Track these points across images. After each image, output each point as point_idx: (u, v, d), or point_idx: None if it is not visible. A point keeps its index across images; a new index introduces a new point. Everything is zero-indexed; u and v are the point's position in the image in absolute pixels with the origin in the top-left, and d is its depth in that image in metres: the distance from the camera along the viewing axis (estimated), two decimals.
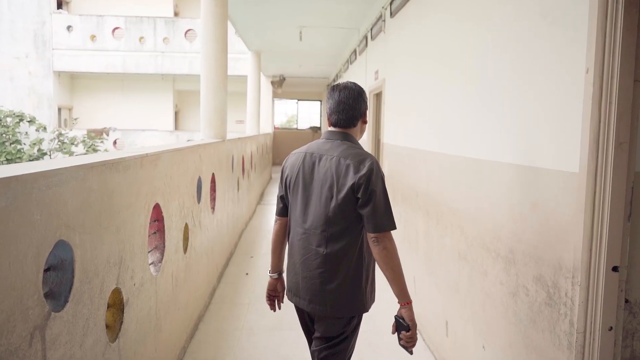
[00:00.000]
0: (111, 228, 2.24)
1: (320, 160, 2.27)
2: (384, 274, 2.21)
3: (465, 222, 3.19)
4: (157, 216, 3.12)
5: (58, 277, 1.86)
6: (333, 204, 2.19)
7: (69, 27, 20.79)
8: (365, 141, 7.63)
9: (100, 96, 22.88)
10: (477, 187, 2.99)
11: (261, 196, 12.31)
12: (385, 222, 2.14)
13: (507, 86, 2.60)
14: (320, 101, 24.29)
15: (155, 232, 3.14)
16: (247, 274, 5.90)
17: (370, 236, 2.16)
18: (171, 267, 3.36)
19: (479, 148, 2.98)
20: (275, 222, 2.51)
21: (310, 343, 2.46)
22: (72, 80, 22.75)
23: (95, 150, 19.05)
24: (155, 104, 23.08)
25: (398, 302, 2.22)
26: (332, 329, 2.29)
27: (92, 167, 2.04)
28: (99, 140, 20.09)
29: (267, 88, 16.98)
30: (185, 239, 3.88)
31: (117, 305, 2.39)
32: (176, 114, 24.36)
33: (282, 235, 2.50)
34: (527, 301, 2.35)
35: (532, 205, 2.30)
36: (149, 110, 23.00)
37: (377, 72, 6.83)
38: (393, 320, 2.26)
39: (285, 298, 2.52)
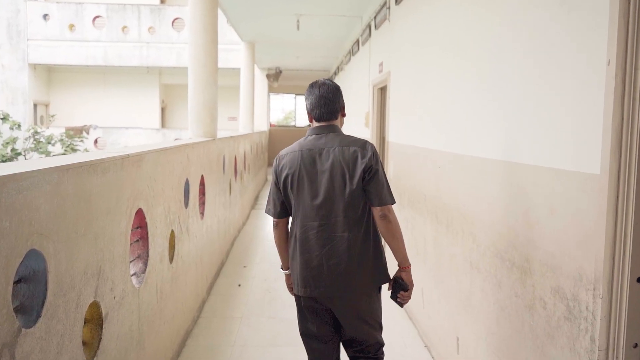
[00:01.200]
0: (89, 236, 2.23)
1: (321, 154, 2.65)
2: (390, 243, 2.68)
3: (477, 228, 3.18)
4: (140, 222, 3.12)
5: (30, 289, 1.85)
6: (348, 189, 2.60)
7: (45, 16, 20.83)
8: (368, 140, 7.63)
9: (80, 91, 22.90)
10: (489, 189, 2.98)
11: (255, 200, 12.32)
12: (387, 196, 2.63)
13: (522, 79, 2.60)
14: None
15: (137, 240, 3.14)
16: (239, 285, 5.90)
17: (377, 210, 2.61)
18: (155, 278, 3.36)
19: (491, 147, 2.98)
20: (277, 225, 2.83)
21: (316, 342, 2.80)
22: (49, 74, 22.77)
23: (74, 150, 19.06)
24: (139, 99, 23.11)
25: (399, 266, 2.74)
26: (372, 306, 2.72)
27: (68, 170, 2.04)
28: (79, 139, 20.10)
29: (261, 82, 17.00)
30: (172, 247, 3.88)
31: (95, 320, 2.39)
32: (163, 110, 24.39)
33: (286, 235, 2.84)
34: (544, 315, 2.34)
35: (549, 210, 2.30)
36: (133, 107, 23.03)
37: (381, 65, 6.83)
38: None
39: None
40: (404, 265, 2.74)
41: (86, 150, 19.07)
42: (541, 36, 2.40)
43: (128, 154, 2.77)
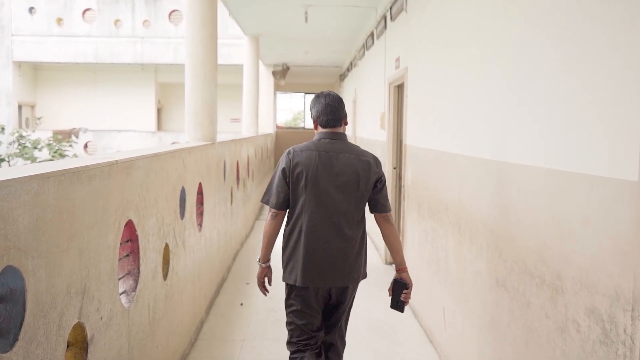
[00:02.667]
0: (72, 251, 2.24)
1: (337, 157, 3.19)
2: (392, 244, 3.32)
3: (503, 241, 3.17)
4: (130, 235, 3.14)
5: (6, 310, 1.86)
6: (359, 194, 3.19)
7: (31, 9, 21.10)
8: (384, 143, 7.63)
9: (69, 91, 23.12)
10: (517, 198, 2.97)
11: (260, 210, 12.35)
12: (389, 204, 3.32)
13: (551, 77, 2.59)
14: None
15: (127, 255, 3.15)
16: (241, 304, 5.91)
17: (381, 215, 3.28)
18: (148, 297, 3.37)
19: (519, 151, 2.97)
20: (275, 215, 3.24)
21: (309, 322, 3.31)
22: (35, 72, 23.03)
23: (62, 156, 19.24)
24: (133, 99, 23.29)
25: (398, 269, 3.37)
26: (352, 294, 3.41)
27: (49, 178, 2.05)
28: (67, 144, 20.28)
29: (267, 79, 17.07)
30: (166, 262, 3.89)
31: (79, 343, 2.39)
32: (159, 111, 24.57)
33: (280, 227, 3.29)
34: (578, 339, 2.32)
35: (582, 221, 2.28)
36: (126, 108, 23.22)
37: (398, 60, 6.84)
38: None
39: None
40: (403, 266, 3.37)
41: (75, 155, 19.23)
42: (572, 30, 2.39)
43: (116, 160, 2.79)
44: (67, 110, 22.93)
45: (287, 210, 3.25)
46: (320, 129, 3.30)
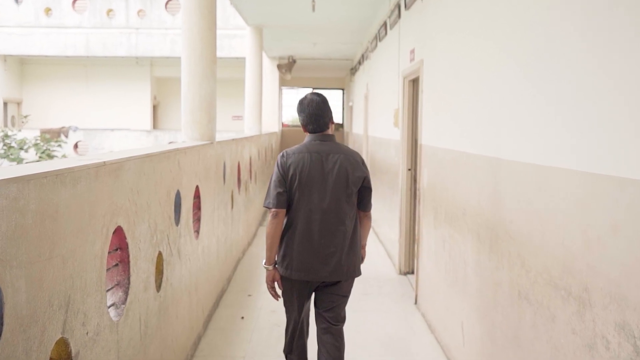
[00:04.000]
0: (55, 260, 2.25)
1: (327, 158, 3.69)
2: (364, 234, 3.94)
3: (526, 250, 3.16)
4: (120, 243, 3.14)
5: None
6: (349, 191, 3.69)
7: None
8: (398, 143, 7.61)
9: (58, 86, 23.25)
10: (541, 202, 2.96)
11: (264, 215, 12.35)
12: (371, 203, 3.89)
13: (578, 71, 2.57)
14: (343, 90, 24.39)
15: (116, 264, 3.16)
16: (242, 318, 5.91)
17: (365, 214, 3.89)
18: (139, 310, 3.37)
19: (544, 151, 2.96)
20: (276, 214, 3.65)
21: (300, 313, 3.82)
22: (21, 67, 23.18)
23: (50, 157, 19.35)
24: (127, 95, 23.40)
25: (361, 245, 3.90)
26: (349, 287, 3.87)
27: (29, 181, 2.05)
28: (56, 144, 20.39)
29: (272, 74, 17.10)
30: (159, 272, 3.90)
31: None
32: (155, 108, 24.67)
33: (281, 226, 3.70)
34: (607, 357, 2.31)
35: (612, 227, 2.26)
36: (119, 104, 23.33)
37: (412, 52, 6.83)
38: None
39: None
40: (364, 244, 3.98)
41: (64, 156, 19.33)
42: (600, 20, 2.38)
43: (104, 162, 2.79)
44: (56, 107, 23.06)
45: (286, 208, 3.69)
46: (308, 133, 3.84)
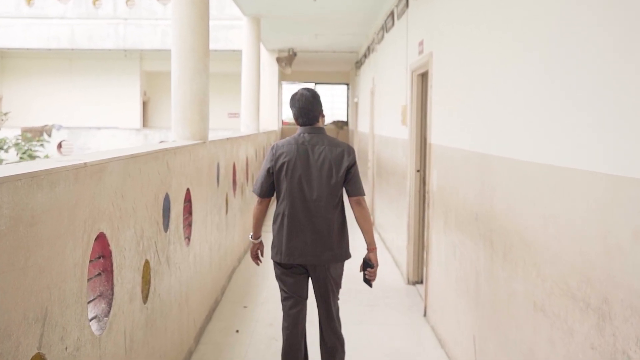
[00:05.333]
0: (31, 269, 2.25)
1: (313, 149, 4.27)
2: (362, 225, 4.34)
3: (541, 258, 3.15)
4: (102, 251, 3.14)
5: None
6: (334, 180, 4.24)
7: None
8: (406, 142, 7.61)
9: (40, 82, 23.28)
10: (558, 206, 2.96)
11: None
12: (361, 188, 4.34)
13: (603, 64, 2.57)
14: (348, 85, 24.39)
15: (99, 274, 3.16)
16: (237, 331, 5.91)
17: (353, 199, 4.30)
18: (124, 323, 3.37)
19: (562, 152, 2.95)
20: (261, 202, 4.44)
21: (292, 298, 4.41)
22: (1, 60, 23.21)
23: (32, 157, 19.39)
24: (115, 91, 23.42)
25: (368, 248, 4.36)
26: (338, 271, 4.40)
27: (2, 184, 2.05)
28: (38, 143, 20.43)
29: (270, 67, 17.12)
30: (146, 282, 3.89)
31: None
32: (145, 104, 24.70)
33: (266, 211, 4.50)
34: None
35: (632, 233, 2.26)
36: (107, 101, 23.35)
37: (421, 44, 6.82)
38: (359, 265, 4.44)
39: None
40: (372, 247, 4.36)
41: (47, 156, 19.36)
42: (624, 7, 2.37)
43: (85, 163, 2.79)
44: (38, 104, 23.09)
45: (271, 197, 4.40)
46: (302, 127, 4.41)
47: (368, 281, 4.34)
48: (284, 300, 4.49)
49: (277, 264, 4.39)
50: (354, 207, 4.31)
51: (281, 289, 4.49)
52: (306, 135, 4.33)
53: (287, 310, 4.45)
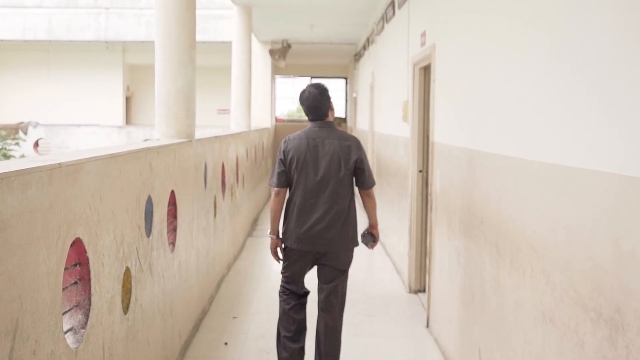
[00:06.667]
0: (0, 278, 2.24)
1: (323, 143, 4.80)
2: (369, 211, 5.10)
3: (550, 264, 3.15)
4: (79, 258, 3.14)
5: None
6: (342, 173, 4.76)
7: None
8: (407, 140, 7.62)
9: (15, 76, 23.23)
10: (569, 210, 2.96)
11: (254, 223, 12.36)
12: (372, 181, 4.97)
13: (614, 58, 2.57)
14: (346, 79, 24.39)
15: (75, 282, 3.15)
16: (226, 343, 5.90)
17: (364, 192, 4.97)
18: (102, 335, 3.37)
19: (572, 150, 2.96)
20: (278, 192, 4.91)
21: (298, 281, 4.97)
22: None
23: (7, 157, 19.35)
24: (96, 86, 23.38)
25: (371, 225, 5.15)
26: (345, 261, 4.95)
27: None
28: (13, 142, 20.38)
29: (263, 60, 17.11)
30: (126, 291, 3.89)
31: None
32: (128, 100, 24.68)
33: (284, 202, 4.96)
34: None
35: None
36: (87, 96, 23.31)
37: (423, 35, 6.83)
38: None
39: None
40: (376, 224, 5.16)
41: (23, 155, 19.33)
42: None
43: (59, 163, 2.79)
44: (12, 100, 23.02)
45: (287, 187, 4.89)
46: (312, 122, 4.95)
47: (369, 247, 5.23)
48: (282, 285, 5.02)
49: (287, 249, 4.92)
50: (364, 198, 5.01)
51: (283, 276, 5.00)
52: (316, 129, 4.87)
53: (284, 307, 4.96)
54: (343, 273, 4.98)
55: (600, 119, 2.68)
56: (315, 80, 24.87)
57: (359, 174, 4.86)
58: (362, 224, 5.16)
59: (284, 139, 4.94)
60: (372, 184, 4.95)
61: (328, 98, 4.95)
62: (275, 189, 4.90)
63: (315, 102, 4.88)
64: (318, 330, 4.98)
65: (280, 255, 5.04)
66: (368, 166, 4.93)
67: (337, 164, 4.75)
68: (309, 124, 4.93)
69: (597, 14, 2.74)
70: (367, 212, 5.12)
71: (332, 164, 4.75)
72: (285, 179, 4.86)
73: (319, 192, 4.74)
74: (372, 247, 5.21)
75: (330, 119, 4.98)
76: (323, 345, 4.93)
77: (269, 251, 5.05)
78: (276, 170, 4.90)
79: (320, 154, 4.76)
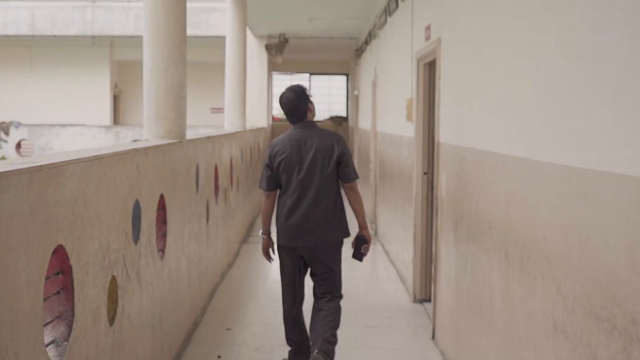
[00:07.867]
0: None
1: (305, 143, 5.26)
2: (356, 208, 5.48)
3: (562, 272, 3.15)
4: (62, 266, 3.13)
5: None
6: (326, 171, 5.23)
7: None
8: (411, 141, 7.61)
9: None
10: (581, 214, 2.95)
11: (249, 229, 12.34)
12: (354, 174, 5.40)
13: (634, 48, 2.57)
14: (347, 75, 24.39)
15: (58, 292, 3.15)
16: (219, 357, 5.90)
17: (346, 185, 5.39)
18: (86, 348, 3.36)
19: (584, 151, 2.96)
20: (268, 196, 5.42)
21: (294, 282, 5.43)
22: None
23: None
24: (82, 83, 23.40)
25: (360, 227, 5.48)
26: (333, 257, 5.40)
27: None
28: None
29: (259, 56, 17.13)
30: (112, 301, 3.88)
31: None
32: (116, 98, 24.70)
33: (274, 204, 5.44)
34: None
35: None
36: (73, 94, 23.33)
37: (428, 29, 6.84)
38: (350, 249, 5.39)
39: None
40: (364, 226, 5.51)
41: (4, 158, 19.34)
42: None
43: (40, 165, 2.79)
44: None
45: (276, 189, 5.39)
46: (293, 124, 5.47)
47: (359, 255, 5.48)
48: (285, 292, 5.47)
49: (279, 247, 5.41)
50: (347, 192, 5.43)
51: (282, 279, 5.48)
52: (298, 131, 5.35)
53: (288, 305, 5.44)
54: (333, 270, 5.39)
55: (615, 117, 2.68)
56: (314, 77, 24.93)
57: (341, 167, 5.28)
58: (356, 226, 5.42)
59: (269, 144, 5.48)
60: (355, 176, 5.39)
61: (305, 100, 5.42)
62: (266, 192, 5.42)
63: (292, 105, 5.38)
64: (312, 314, 5.38)
65: (272, 255, 5.57)
66: (351, 160, 5.41)
67: (321, 162, 5.22)
68: (290, 127, 5.42)
69: (613, 3, 2.74)
70: (353, 210, 5.48)
71: (316, 163, 5.22)
72: (274, 182, 5.36)
73: (306, 191, 5.21)
74: (365, 250, 5.48)
75: (309, 119, 5.45)
76: (315, 324, 5.28)
77: (265, 258, 5.51)
78: (265, 175, 5.40)
79: (304, 154, 5.24)
